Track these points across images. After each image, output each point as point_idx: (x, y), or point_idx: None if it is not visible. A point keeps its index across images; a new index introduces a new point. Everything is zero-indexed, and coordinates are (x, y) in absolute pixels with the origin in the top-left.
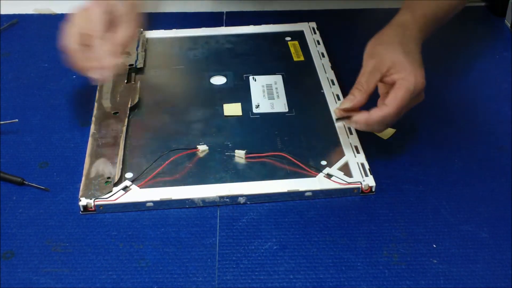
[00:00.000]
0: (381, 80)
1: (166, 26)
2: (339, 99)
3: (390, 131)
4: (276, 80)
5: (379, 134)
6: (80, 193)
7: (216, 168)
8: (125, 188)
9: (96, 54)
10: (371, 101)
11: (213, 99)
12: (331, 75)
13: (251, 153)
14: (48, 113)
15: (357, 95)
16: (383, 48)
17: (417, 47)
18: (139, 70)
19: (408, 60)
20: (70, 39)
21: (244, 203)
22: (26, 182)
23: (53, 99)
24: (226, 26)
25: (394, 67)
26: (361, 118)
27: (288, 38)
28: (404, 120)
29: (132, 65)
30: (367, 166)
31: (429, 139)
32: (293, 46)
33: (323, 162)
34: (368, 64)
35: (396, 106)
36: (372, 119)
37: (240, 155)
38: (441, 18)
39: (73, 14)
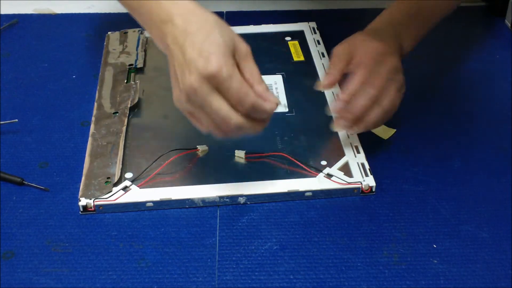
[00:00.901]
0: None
1: None
2: None
3: (390, 131)
4: (276, 80)
5: (379, 134)
6: (80, 193)
7: (216, 168)
8: (125, 188)
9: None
10: None
11: None
12: None
13: (250, 153)
14: (48, 113)
15: (330, 73)
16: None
17: (391, 39)
18: (139, 70)
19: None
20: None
21: (244, 203)
22: (26, 182)
23: (53, 99)
24: None
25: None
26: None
27: (288, 38)
28: (404, 120)
29: (132, 65)
30: (367, 166)
31: (429, 139)
32: (293, 46)
33: (323, 162)
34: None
35: (358, 82)
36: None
37: (240, 155)
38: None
39: None
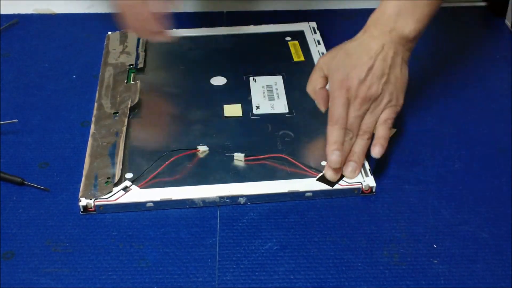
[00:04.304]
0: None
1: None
2: None
3: (390, 131)
4: (276, 81)
5: None
6: (80, 193)
7: (216, 169)
8: (125, 188)
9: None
10: None
11: (213, 99)
12: None
13: (250, 156)
14: (48, 113)
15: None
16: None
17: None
18: (139, 70)
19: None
20: None
21: (244, 204)
22: (26, 182)
23: (53, 99)
24: (226, 26)
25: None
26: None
27: (288, 38)
28: (404, 120)
29: (132, 65)
30: (367, 166)
31: (429, 139)
32: (293, 46)
33: (323, 163)
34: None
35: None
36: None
37: (239, 158)
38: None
39: None
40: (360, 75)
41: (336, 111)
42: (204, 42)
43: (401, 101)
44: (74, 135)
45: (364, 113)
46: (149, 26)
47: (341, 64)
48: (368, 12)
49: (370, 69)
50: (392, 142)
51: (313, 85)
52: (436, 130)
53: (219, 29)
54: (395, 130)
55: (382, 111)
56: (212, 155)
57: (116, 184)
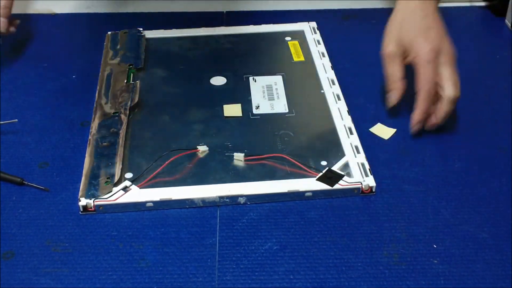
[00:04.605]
0: (406, 61)
1: (166, 26)
2: (339, 99)
3: (390, 131)
4: (276, 81)
5: (379, 134)
6: (80, 193)
7: (216, 169)
8: (125, 188)
9: None
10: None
11: (213, 99)
12: (331, 75)
13: (250, 156)
14: (48, 113)
15: (394, 90)
16: (396, 29)
17: (425, 8)
18: (139, 70)
19: (417, 33)
20: None
21: (244, 203)
22: (26, 182)
23: (53, 99)
24: (226, 26)
25: (408, 49)
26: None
27: (288, 38)
28: (404, 120)
29: (132, 65)
30: (367, 166)
31: (429, 139)
32: (293, 46)
33: (323, 163)
34: (388, 50)
35: (423, 83)
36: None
37: (239, 158)
38: None
39: None
40: (434, 40)
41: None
42: (204, 42)
43: (452, 51)
44: (74, 135)
45: (442, 65)
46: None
47: (414, 35)
48: (368, 12)
49: (436, 30)
50: (392, 142)
51: (397, 75)
52: (436, 130)
53: (219, 29)
54: (394, 130)
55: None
56: (212, 155)
57: (116, 184)
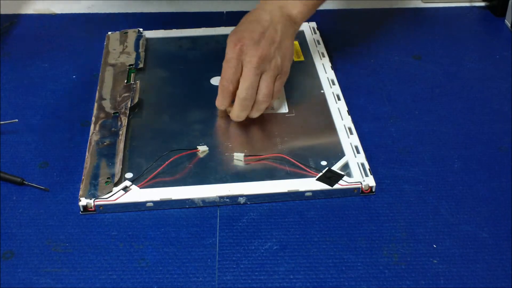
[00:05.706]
0: None
1: (166, 26)
2: (339, 99)
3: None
4: None
5: None
6: (80, 193)
7: (216, 169)
8: (125, 188)
9: None
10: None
11: (213, 99)
12: (331, 75)
13: (250, 155)
14: (48, 113)
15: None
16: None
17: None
18: (139, 70)
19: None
20: None
21: (244, 203)
22: (26, 182)
23: (53, 99)
24: (226, 26)
25: None
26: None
27: None
28: (404, 120)
29: (132, 65)
30: (367, 166)
31: (429, 139)
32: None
33: (323, 162)
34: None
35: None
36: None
37: (239, 157)
38: None
39: None
40: (254, 38)
41: (227, 73)
42: (204, 42)
43: (287, 70)
44: (74, 135)
45: (260, 76)
46: None
47: (237, 30)
48: (368, 12)
49: (262, 34)
50: (392, 142)
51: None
52: (436, 130)
53: (219, 29)
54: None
55: (273, 79)
56: (212, 155)
57: (116, 184)
